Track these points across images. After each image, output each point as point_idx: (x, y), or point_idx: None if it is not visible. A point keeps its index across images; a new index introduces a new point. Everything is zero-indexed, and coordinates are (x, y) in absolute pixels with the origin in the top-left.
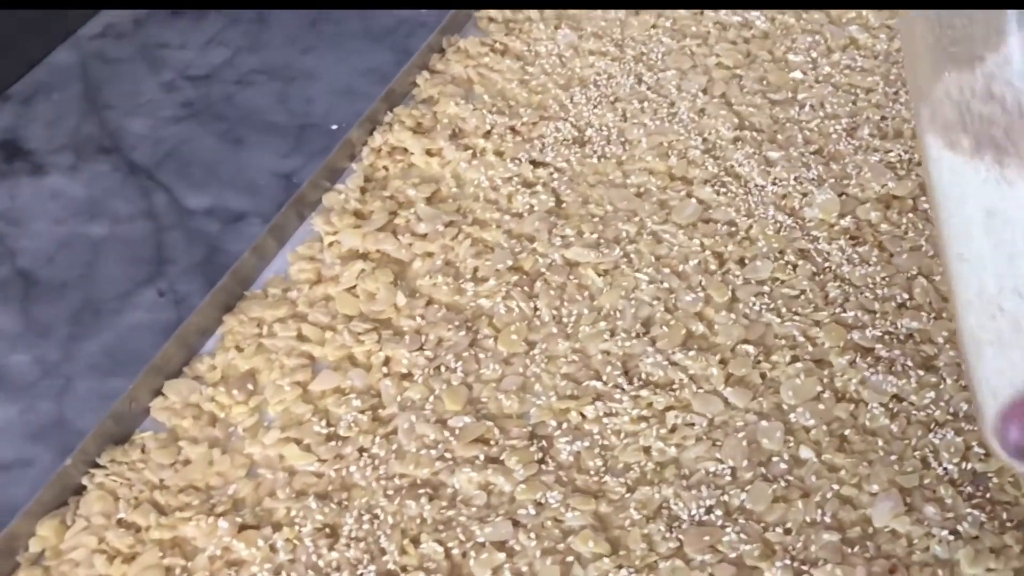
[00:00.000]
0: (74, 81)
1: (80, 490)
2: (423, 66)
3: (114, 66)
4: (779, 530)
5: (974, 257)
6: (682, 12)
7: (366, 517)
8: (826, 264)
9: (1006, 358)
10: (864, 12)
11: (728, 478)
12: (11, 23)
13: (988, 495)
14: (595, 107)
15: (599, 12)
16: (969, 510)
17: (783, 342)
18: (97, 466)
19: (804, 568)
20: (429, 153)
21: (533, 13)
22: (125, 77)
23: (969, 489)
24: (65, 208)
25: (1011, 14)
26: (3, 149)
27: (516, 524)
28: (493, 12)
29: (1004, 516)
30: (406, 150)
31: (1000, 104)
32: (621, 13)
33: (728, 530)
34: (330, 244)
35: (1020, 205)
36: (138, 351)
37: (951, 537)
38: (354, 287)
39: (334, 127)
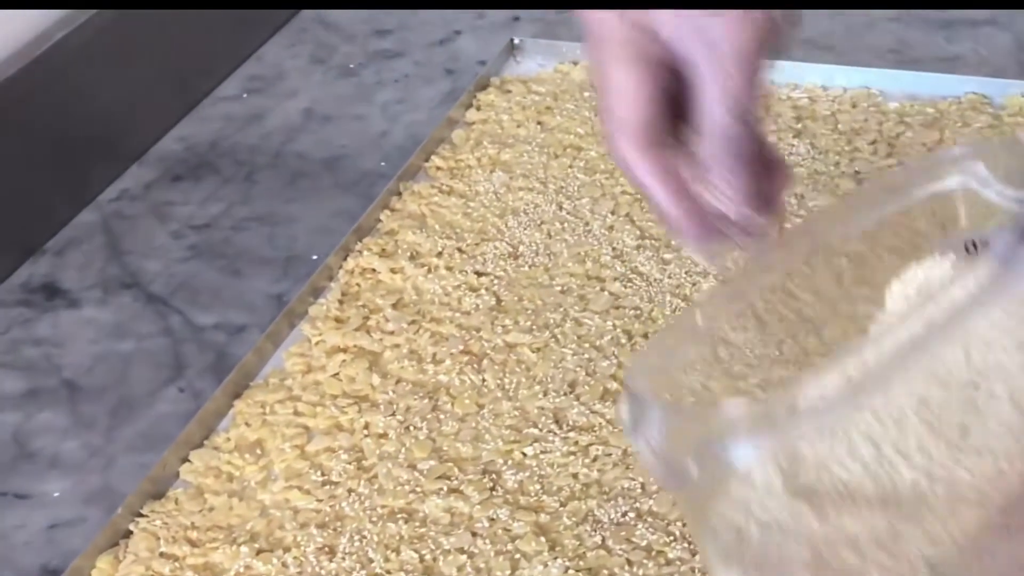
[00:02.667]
0: (98, 235)
1: (128, 534)
2: (385, 206)
3: (130, 221)
4: (679, 524)
5: None
6: (592, 154)
7: (356, 538)
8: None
9: None
10: None
11: (639, 491)
12: (41, 193)
13: None
14: (525, 229)
15: (525, 158)
16: None
17: (682, 391)
18: (140, 515)
19: (698, 549)
20: (393, 271)
21: (472, 161)
22: (140, 229)
23: None
24: (98, 331)
25: None
26: (44, 290)
27: (474, 534)
28: (440, 162)
29: None
30: (374, 270)
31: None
32: (543, 157)
33: (639, 527)
34: (317, 343)
35: None
36: (166, 433)
37: None
38: (337, 373)
39: (314, 257)
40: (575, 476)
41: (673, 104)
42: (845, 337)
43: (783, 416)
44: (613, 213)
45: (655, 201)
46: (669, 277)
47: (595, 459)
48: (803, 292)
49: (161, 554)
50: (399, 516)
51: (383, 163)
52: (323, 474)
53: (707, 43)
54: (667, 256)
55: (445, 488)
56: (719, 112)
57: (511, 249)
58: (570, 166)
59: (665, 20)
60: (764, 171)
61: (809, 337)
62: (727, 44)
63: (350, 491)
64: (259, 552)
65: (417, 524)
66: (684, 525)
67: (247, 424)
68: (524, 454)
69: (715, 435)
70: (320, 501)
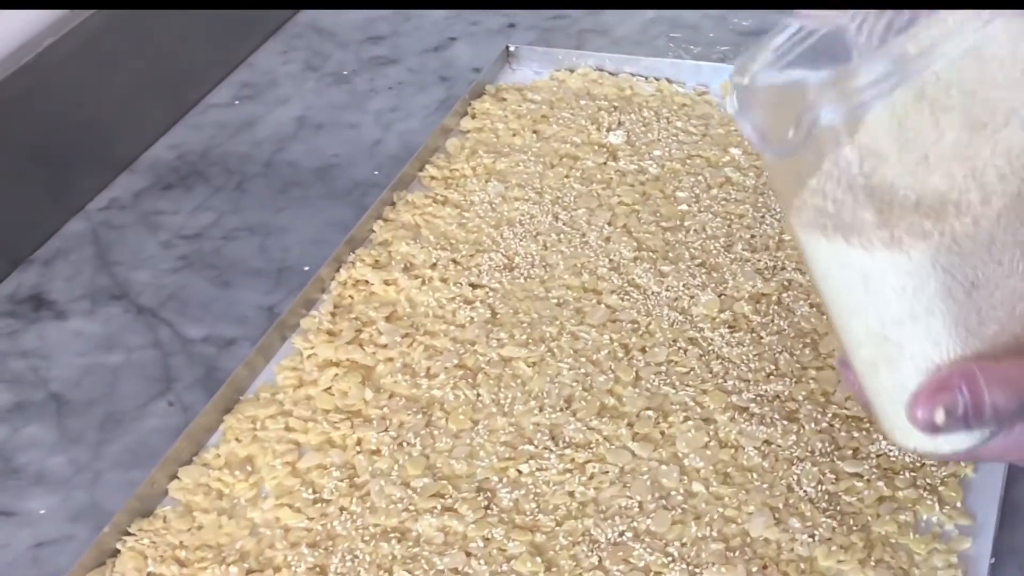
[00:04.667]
0: (86, 245)
1: (115, 553)
2: (378, 216)
3: (119, 231)
4: (677, 544)
5: (859, 307)
6: (589, 164)
7: (348, 558)
8: (710, 347)
9: (897, 370)
10: (736, 157)
11: (636, 510)
12: (29, 202)
13: (838, 507)
14: (521, 240)
15: (521, 168)
16: (824, 519)
17: (677, 407)
18: (128, 534)
19: (697, 570)
20: (386, 283)
21: (468, 171)
22: (129, 239)
23: (823, 505)
24: (86, 344)
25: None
26: (31, 301)
27: (468, 555)
28: (434, 171)
29: (851, 522)
30: (367, 282)
31: (840, 199)
32: (539, 167)
33: (637, 547)
34: (308, 356)
35: (879, 263)
36: (154, 448)
37: (810, 540)
38: (329, 388)
39: (306, 268)
40: (571, 494)
41: None
42: (841, 351)
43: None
44: (610, 224)
45: None
46: (667, 290)
47: (592, 477)
48: (799, 305)
49: (149, 574)
50: (392, 535)
51: (376, 172)
52: (314, 492)
53: None
54: (664, 268)
55: (439, 506)
56: None
57: (506, 261)
58: (566, 176)
59: None
60: None
61: (805, 351)
62: None
63: (342, 509)
64: (249, 572)
65: (410, 544)
66: (683, 546)
67: (237, 440)
68: (519, 471)
69: (809, 104)
70: (311, 520)
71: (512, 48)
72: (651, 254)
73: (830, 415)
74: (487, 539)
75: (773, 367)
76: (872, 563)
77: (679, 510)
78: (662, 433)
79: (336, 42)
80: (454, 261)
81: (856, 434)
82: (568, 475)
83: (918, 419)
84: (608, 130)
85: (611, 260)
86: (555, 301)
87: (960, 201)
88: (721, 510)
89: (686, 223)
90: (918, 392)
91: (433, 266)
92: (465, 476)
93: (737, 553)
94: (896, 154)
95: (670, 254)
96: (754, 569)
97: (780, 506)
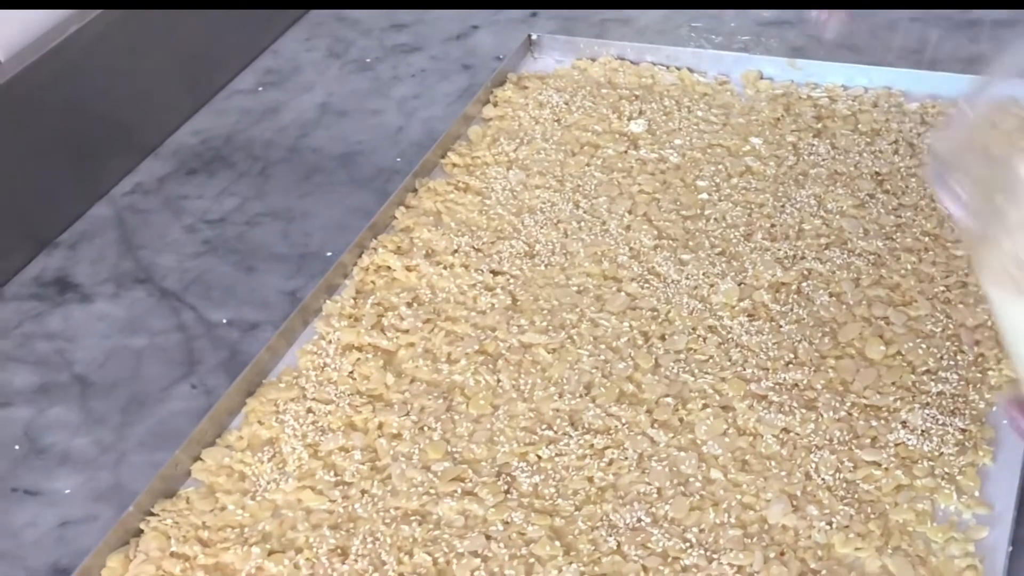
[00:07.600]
0: (111, 229)
1: (138, 533)
2: (400, 203)
3: (144, 215)
4: (695, 530)
5: None
6: (610, 152)
7: (369, 539)
8: (729, 335)
9: None
10: (757, 146)
11: (655, 495)
12: (55, 186)
13: (856, 495)
14: (542, 228)
15: (542, 155)
16: (841, 507)
17: (696, 394)
18: (151, 514)
19: (714, 556)
20: (408, 269)
21: (489, 158)
22: (153, 223)
23: (841, 492)
24: (111, 326)
25: None
26: (57, 284)
27: (488, 538)
28: (456, 159)
29: (868, 510)
30: (389, 267)
31: None
32: (560, 155)
33: (655, 532)
34: (330, 341)
35: None
36: (178, 430)
37: (827, 527)
38: (351, 372)
39: (329, 254)
40: (590, 479)
41: None
42: (861, 339)
43: None
44: (630, 212)
45: None
46: (687, 278)
47: (611, 462)
48: (819, 294)
49: (172, 554)
50: (412, 518)
51: (399, 159)
52: (336, 474)
53: None
54: (684, 256)
55: (459, 490)
56: None
57: (527, 248)
58: (587, 164)
59: None
60: None
61: (824, 339)
62: None
63: (363, 492)
64: (271, 553)
65: (431, 526)
66: (701, 532)
67: (260, 422)
68: (539, 456)
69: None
70: (333, 502)
71: (534, 37)
72: (671, 242)
73: (848, 404)
74: (507, 523)
75: (792, 356)
76: (889, 551)
77: (697, 496)
78: (681, 420)
79: (359, 30)
80: (475, 248)
81: (875, 423)
82: (587, 460)
83: None
84: (629, 119)
85: (631, 248)
86: (575, 288)
87: None
88: (739, 497)
89: (706, 212)
90: None
91: (454, 252)
92: (485, 460)
93: (755, 539)
94: None
95: (690, 242)
96: (771, 555)
97: (798, 493)
